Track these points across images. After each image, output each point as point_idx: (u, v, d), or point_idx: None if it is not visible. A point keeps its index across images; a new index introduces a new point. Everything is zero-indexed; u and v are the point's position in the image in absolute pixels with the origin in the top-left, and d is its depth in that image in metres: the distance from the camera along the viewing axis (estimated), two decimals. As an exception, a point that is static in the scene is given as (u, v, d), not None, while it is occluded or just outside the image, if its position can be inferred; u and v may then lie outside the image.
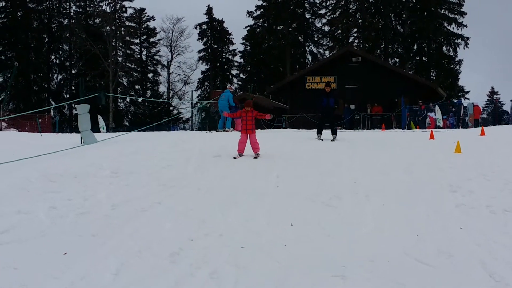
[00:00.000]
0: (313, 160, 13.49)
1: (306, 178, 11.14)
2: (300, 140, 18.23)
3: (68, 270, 6.03)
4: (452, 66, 73.37)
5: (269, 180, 10.98)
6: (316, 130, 18.94)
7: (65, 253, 6.64)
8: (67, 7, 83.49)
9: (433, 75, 74.27)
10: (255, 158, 13.35)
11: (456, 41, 72.44)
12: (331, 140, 17.64)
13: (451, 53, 72.97)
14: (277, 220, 8.10)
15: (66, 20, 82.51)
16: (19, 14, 77.71)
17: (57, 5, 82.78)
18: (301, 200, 9.31)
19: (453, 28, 72.54)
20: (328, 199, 9.33)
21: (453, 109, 38.18)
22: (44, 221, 8.14)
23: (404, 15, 73.87)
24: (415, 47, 74.86)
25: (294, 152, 14.74)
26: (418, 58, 75.25)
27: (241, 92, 37.45)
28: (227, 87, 27.56)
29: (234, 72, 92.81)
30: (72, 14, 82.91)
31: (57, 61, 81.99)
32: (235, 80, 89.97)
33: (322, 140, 17.77)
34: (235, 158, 13.24)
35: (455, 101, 44.21)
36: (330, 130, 18.29)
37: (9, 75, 55.75)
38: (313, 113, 42.10)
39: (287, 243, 6.88)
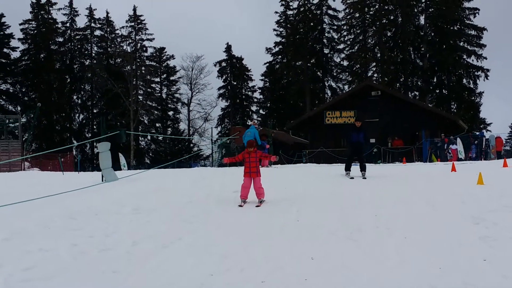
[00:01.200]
0: (333, 193, 13.44)
1: (326, 212, 11.09)
2: (320, 175, 18.22)
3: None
4: (473, 98, 73.18)
5: (290, 214, 10.95)
6: (345, 166, 17.71)
7: (87, 290, 6.65)
8: (89, 48, 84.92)
9: (454, 107, 74.04)
10: (258, 206, 11.90)
11: (476, 73, 72.34)
12: (362, 178, 16.61)
13: (471, 85, 72.87)
14: (298, 254, 8.05)
15: (88, 60, 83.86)
16: (42, 56, 79.14)
17: (79, 46, 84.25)
18: (322, 234, 9.25)
19: (472, 60, 72.57)
20: (349, 232, 9.26)
21: (476, 141, 37.93)
22: (65, 258, 8.16)
23: (423, 49, 74.03)
24: (435, 80, 74.88)
25: (314, 186, 14.71)
26: (438, 91, 75.18)
27: (261, 128, 37.57)
28: (252, 123, 27.53)
29: (253, 108, 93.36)
30: (93, 54, 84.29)
31: (79, 101, 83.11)
32: (255, 116, 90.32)
33: (352, 178, 16.68)
34: (240, 206, 11.90)
35: (477, 133, 43.96)
36: (359, 166, 17.31)
37: (32, 116, 56.40)
38: (333, 147, 42.17)
39: (308, 277, 6.82)
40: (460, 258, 7.53)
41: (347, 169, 17.41)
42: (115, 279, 7.09)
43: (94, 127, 79.74)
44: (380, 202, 12.08)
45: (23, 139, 42.07)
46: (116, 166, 22.34)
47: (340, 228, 9.60)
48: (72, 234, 9.47)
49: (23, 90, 78.68)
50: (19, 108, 75.74)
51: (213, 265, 7.56)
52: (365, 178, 16.51)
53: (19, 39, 78.82)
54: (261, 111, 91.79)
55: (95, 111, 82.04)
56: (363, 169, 16.99)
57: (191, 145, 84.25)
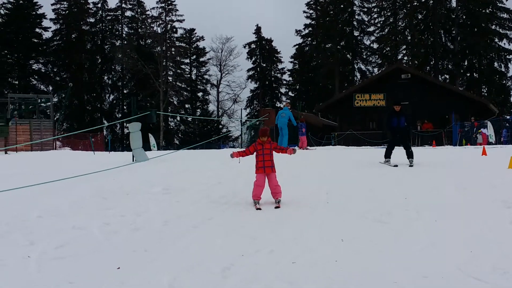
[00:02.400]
0: (362, 176, 13.41)
1: (356, 194, 11.08)
2: (349, 157, 18.17)
3: (122, 285, 6.11)
4: (504, 82, 72.24)
5: (319, 196, 10.97)
6: (384, 153, 16.14)
7: (119, 268, 6.74)
8: (120, 28, 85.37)
9: (485, 91, 73.14)
10: (277, 207, 10.14)
11: (507, 56, 71.40)
12: (409, 166, 15.22)
13: (503, 69, 71.94)
14: (328, 236, 8.07)
15: (118, 41, 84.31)
16: (74, 36, 79.75)
17: (110, 27, 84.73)
18: (352, 216, 9.25)
19: (504, 43, 71.58)
20: (379, 215, 9.25)
21: (507, 124, 37.44)
22: (98, 236, 8.30)
23: (454, 32, 73.09)
24: (466, 63, 73.96)
25: (344, 168, 14.69)
26: (468, 74, 74.28)
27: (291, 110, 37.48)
28: (285, 104, 27.38)
29: (282, 90, 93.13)
30: (124, 35, 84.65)
31: (110, 82, 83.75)
32: (283, 98, 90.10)
33: (396, 166, 15.29)
34: (259, 209, 10.06)
35: (508, 117, 43.38)
36: (405, 153, 15.77)
37: (63, 96, 57.04)
38: (361, 130, 41.96)
39: (338, 258, 6.84)
40: (490, 242, 7.47)
41: (387, 156, 15.98)
42: (147, 258, 7.18)
43: (124, 107, 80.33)
44: (410, 185, 12.03)
45: (55, 118, 42.53)
46: (146, 147, 22.52)
47: (370, 210, 9.59)
48: (104, 213, 9.62)
49: (55, 70, 79.49)
50: (50, 88, 76.64)
51: (242, 246, 7.60)
52: (412, 165, 15.23)
53: (51, 19, 79.55)
54: (290, 93, 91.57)
55: (125, 91, 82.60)
56: (410, 156, 15.61)
57: (220, 126, 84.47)
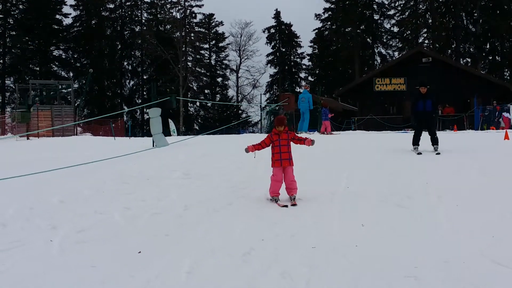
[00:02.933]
0: (383, 161, 13.36)
1: (376, 179, 11.05)
2: (370, 142, 18.11)
3: (144, 269, 6.16)
4: (527, 65, 71.39)
5: (340, 181, 10.94)
6: (412, 140, 15.01)
7: (140, 252, 6.79)
8: (139, 14, 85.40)
9: (507, 74, 72.35)
10: (293, 204, 9.14)
11: (530, 39, 70.40)
12: (436, 153, 14.22)
13: (526, 52, 70.99)
14: (348, 221, 8.06)
15: (138, 27, 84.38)
16: (94, 22, 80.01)
17: (129, 12, 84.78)
18: (372, 201, 9.23)
19: (527, 26, 70.52)
20: (399, 200, 9.21)
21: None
22: (119, 221, 8.36)
23: (475, 14, 72.19)
24: (488, 46, 73.17)
25: (364, 153, 14.64)
26: (491, 58, 73.53)
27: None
28: (305, 86, 27.38)
29: (302, 75, 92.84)
30: (143, 21, 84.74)
31: (129, 67, 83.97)
32: (303, 83, 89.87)
33: (420, 153, 14.34)
34: (285, 206, 9.10)
35: (531, 101, 42.88)
36: (430, 140, 14.86)
37: (84, 82, 57.35)
38: (381, 114, 41.74)
39: (358, 243, 6.83)
40: (513, 227, 7.43)
41: (415, 143, 14.90)
42: (168, 242, 7.22)
43: (144, 93, 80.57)
44: (431, 169, 11.96)
45: (76, 104, 42.80)
46: (166, 132, 22.61)
47: (390, 195, 9.56)
48: (125, 198, 9.69)
49: (75, 56, 79.86)
50: (71, 74, 77.10)
51: (262, 230, 7.62)
52: (439, 153, 14.23)
53: (70, 5, 79.73)
54: (309, 78, 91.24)
55: (145, 77, 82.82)
56: (434, 142, 14.72)
57: (240, 111, 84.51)
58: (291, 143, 9.72)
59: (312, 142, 9.80)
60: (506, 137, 17.83)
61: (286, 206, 9.00)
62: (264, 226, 7.90)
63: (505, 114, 35.28)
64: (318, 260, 6.27)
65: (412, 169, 12.19)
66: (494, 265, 5.91)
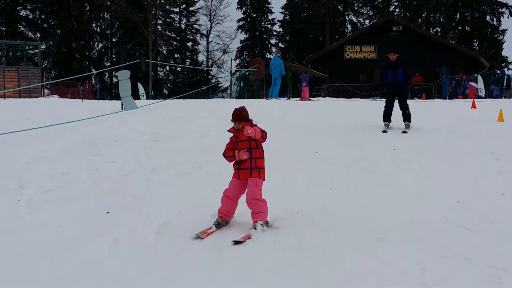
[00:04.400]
0: (352, 127, 13.43)
1: (345, 145, 11.14)
2: (339, 109, 18.20)
3: (112, 229, 6.17)
4: (496, 35, 72.00)
5: (309, 146, 11.01)
6: (382, 116, 13.32)
7: (108, 212, 6.80)
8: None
9: (476, 45, 72.97)
10: (241, 241, 5.82)
11: (500, 10, 70.92)
12: (403, 131, 12.65)
13: (495, 22, 71.59)
14: (316, 185, 8.15)
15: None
16: (61, -18, 78.39)
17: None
18: (340, 166, 9.32)
19: (497, -4, 71.03)
20: (367, 165, 9.32)
21: (497, 79, 37.44)
22: (86, 182, 8.33)
23: (447, -17, 72.41)
24: (458, 16, 73.50)
25: (333, 119, 14.71)
26: (460, 28, 73.96)
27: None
28: (275, 52, 27.37)
29: (273, 41, 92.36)
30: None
31: (98, 30, 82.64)
32: (273, 49, 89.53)
33: (385, 131, 12.77)
34: (215, 226, 6.31)
35: (498, 71, 43.36)
36: (402, 115, 13.22)
37: (51, 43, 56.33)
38: (351, 82, 41.90)
39: (326, 206, 6.92)
40: (478, 192, 7.57)
41: (386, 119, 13.21)
42: (136, 203, 7.24)
43: (113, 56, 79.55)
44: (399, 136, 12.09)
45: (43, 66, 42.14)
46: (135, 96, 22.41)
47: (358, 160, 9.66)
48: (93, 159, 9.62)
49: (43, 16, 78.21)
50: (38, 35, 75.60)
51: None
52: (406, 131, 12.68)
53: (38, -36, 77.95)
54: (280, 45, 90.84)
55: (114, 40, 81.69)
56: (406, 118, 13.11)
57: (210, 77, 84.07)
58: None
59: (262, 136, 6.37)
60: (473, 106, 18.05)
61: (238, 241, 5.78)
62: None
63: (472, 84, 35.64)
64: (284, 221, 6.33)
65: (381, 135, 12.31)
66: (458, 228, 6.04)
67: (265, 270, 4.97)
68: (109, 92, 75.14)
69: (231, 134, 6.57)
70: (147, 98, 40.70)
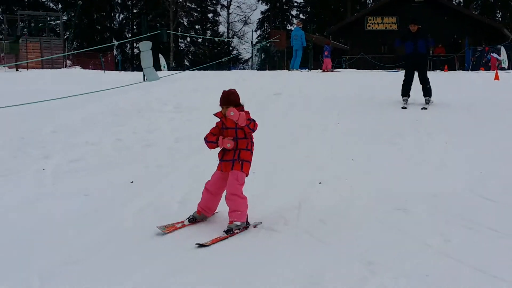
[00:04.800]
0: (374, 98, 13.38)
1: (367, 116, 11.10)
2: (361, 80, 18.10)
3: (136, 198, 6.23)
4: (520, 6, 70.86)
5: (331, 117, 11.00)
6: (401, 90, 12.82)
7: (132, 182, 6.87)
8: None
9: (499, 16, 71.87)
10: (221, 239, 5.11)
11: (525, -20, 69.66)
12: (423, 108, 12.18)
13: (519, -7, 70.37)
14: (338, 156, 8.14)
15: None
16: (83, -48, 78.12)
17: None
18: (362, 138, 9.30)
19: (522, -34, 69.68)
20: (389, 137, 9.29)
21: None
22: (110, 152, 8.42)
23: (471, -48, 71.14)
24: (481, -14, 72.36)
25: (355, 91, 14.64)
26: (483, -2, 72.84)
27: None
28: (297, 23, 27.19)
29: (293, 12, 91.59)
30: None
31: (119, 0, 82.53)
32: (294, 21, 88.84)
33: (405, 108, 12.31)
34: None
35: (522, 42, 42.71)
36: (422, 89, 12.73)
37: (73, 14, 56.49)
38: (372, 54, 41.55)
39: (349, 177, 6.92)
40: (501, 164, 7.52)
41: (404, 94, 12.73)
42: (159, 173, 7.30)
43: (134, 27, 79.48)
44: (420, 109, 12.02)
45: (65, 37, 42.26)
46: (157, 67, 22.45)
47: (380, 132, 9.64)
48: (116, 129, 9.71)
49: (64, -13, 78.35)
50: (60, 6, 75.73)
51: (256, 163, 7.68)
52: (426, 108, 12.21)
53: None
54: (301, 16, 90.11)
55: (135, 11, 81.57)
56: (427, 93, 12.61)
57: (230, 48, 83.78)
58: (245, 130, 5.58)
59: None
60: (496, 77, 17.84)
61: (203, 245, 4.89)
62: (256, 159, 7.95)
63: (494, 55, 35.17)
64: (309, 192, 6.36)
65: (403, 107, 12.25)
66: (481, 199, 6.02)
67: (287, 243, 5.00)
68: (130, 63, 75.30)
69: (218, 120, 5.72)
70: (169, 69, 40.75)
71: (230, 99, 5.56)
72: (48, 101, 11.83)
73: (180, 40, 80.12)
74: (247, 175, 5.60)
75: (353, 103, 12.77)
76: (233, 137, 5.54)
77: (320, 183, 6.72)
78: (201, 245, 4.87)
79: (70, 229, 5.28)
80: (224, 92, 5.65)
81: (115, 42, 28.71)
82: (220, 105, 5.60)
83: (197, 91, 14.29)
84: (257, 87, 14.63)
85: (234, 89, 5.68)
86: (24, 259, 4.49)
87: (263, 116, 10.81)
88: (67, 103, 12.04)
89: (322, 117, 11.10)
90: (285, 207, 5.90)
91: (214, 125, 5.74)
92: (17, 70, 26.76)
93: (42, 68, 31.95)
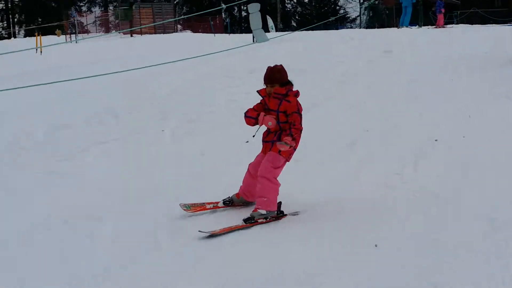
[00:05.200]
0: (490, 54, 12.86)
1: (482, 72, 10.72)
2: (474, 35, 17.37)
3: (251, 157, 6.39)
4: None
5: (443, 75, 10.73)
6: None
7: (247, 142, 7.03)
8: None
9: None
10: (244, 223, 4.61)
11: None
12: None
13: None
14: (454, 113, 7.91)
15: None
16: None
17: None
18: (478, 94, 9.02)
19: None
20: (506, 91, 8.95)
21: None
22: (225, 112, 8.64)
23: None
24: None
25: (469, 46, 14.09)
26: None
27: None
28: None
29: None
30: None
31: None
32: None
33: None
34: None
35: None
36: None
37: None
38: (486, 8, 39.82)
39: (466, 135, 6.74)
40: None
41: None
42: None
43: (242, -10, 79.88)
44: None
45: (175, 2, 43.15)
46: (265, 29, 22.61)
47: (499, 87, 9.28)
48: (230, 91, 9.92)
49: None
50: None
51: (367, 120, 7.68)
52: None
53: None
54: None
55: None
56: None
57: (337, 7, 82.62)
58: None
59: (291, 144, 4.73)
60: None
61: (207, 233, 4.34)
62: (367, 116, 7.97)
63: None
64: (424, 150, 6.31)
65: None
66: None
67: (404, 200, 5.01)
68: (238, 26, 75.88)
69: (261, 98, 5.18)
70: (276, 31, 40.86)
71: (275, 77, 5.00)
72: (162, 64, 12.19)
73: (287, 1, 79.89)
74: (287, 160, 4.92)
75: (468, 59, 12.33)
76: (276, 118, 4.88)
77: (436, 140, 6.63)
78: (211, 235, 4.30)
79: (191, 185, 5.55)
80: (268, 68, 5.11)
81: (223, 6, 28.86)
82: (264, 83, 5.03)
83: (306, 52, 14.28)
84: (365, 46, 14.43)
85: (281, 65, 5.15)
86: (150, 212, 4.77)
87: (375, 74, 10.74)
88: (180, 66, 12.37)
89: (436, 73, 10.84)
90: (401, 164, 5.89)
91: (257, 105, 5.17)
92: (131, 35, 27.70)
93: (155, 33, 32.91)
